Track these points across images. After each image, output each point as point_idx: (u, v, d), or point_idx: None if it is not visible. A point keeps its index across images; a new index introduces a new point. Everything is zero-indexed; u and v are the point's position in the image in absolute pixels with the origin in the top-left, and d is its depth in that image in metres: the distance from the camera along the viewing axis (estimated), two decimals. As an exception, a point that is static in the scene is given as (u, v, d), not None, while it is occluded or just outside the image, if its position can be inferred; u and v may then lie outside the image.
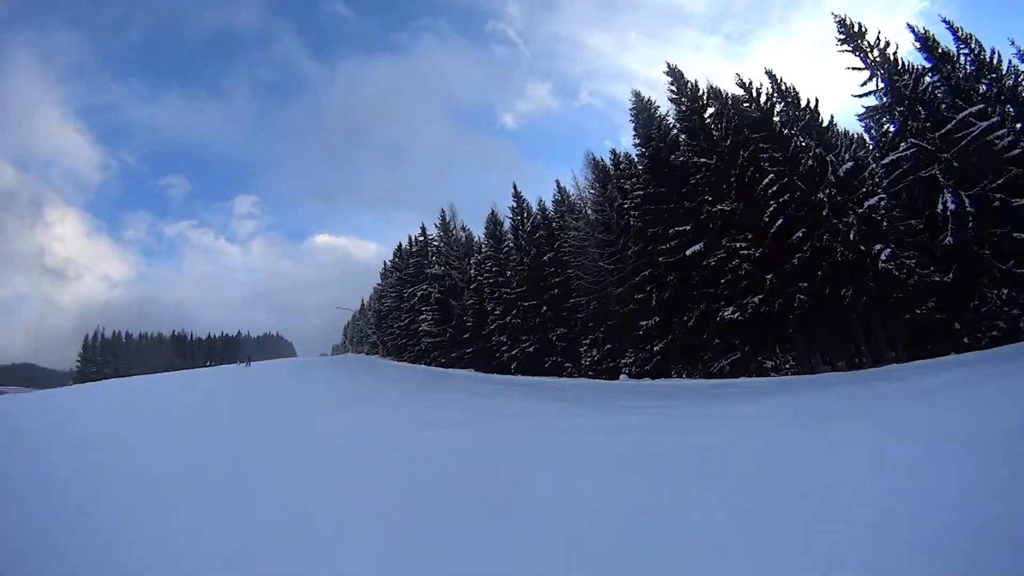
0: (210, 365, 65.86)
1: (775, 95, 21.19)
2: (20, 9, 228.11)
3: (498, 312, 35.24)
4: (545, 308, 32.23)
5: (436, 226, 46.36)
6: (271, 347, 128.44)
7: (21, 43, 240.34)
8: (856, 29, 20.02)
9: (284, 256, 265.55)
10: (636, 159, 27.39)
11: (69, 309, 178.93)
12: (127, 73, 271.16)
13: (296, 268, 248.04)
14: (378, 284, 62.58)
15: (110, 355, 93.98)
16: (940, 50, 19.01)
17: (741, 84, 21.89)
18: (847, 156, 19.80)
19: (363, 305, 78.74)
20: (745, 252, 20.40)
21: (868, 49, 19.71)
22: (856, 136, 22.16)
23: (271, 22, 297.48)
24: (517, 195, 35.82)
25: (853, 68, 20.03)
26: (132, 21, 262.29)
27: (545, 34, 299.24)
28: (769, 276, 19.47)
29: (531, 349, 32.74)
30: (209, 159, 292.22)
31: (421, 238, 48.09)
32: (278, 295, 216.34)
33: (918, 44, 19.33)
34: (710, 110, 23.60)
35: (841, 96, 62.61)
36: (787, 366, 19.27)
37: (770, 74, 21.36)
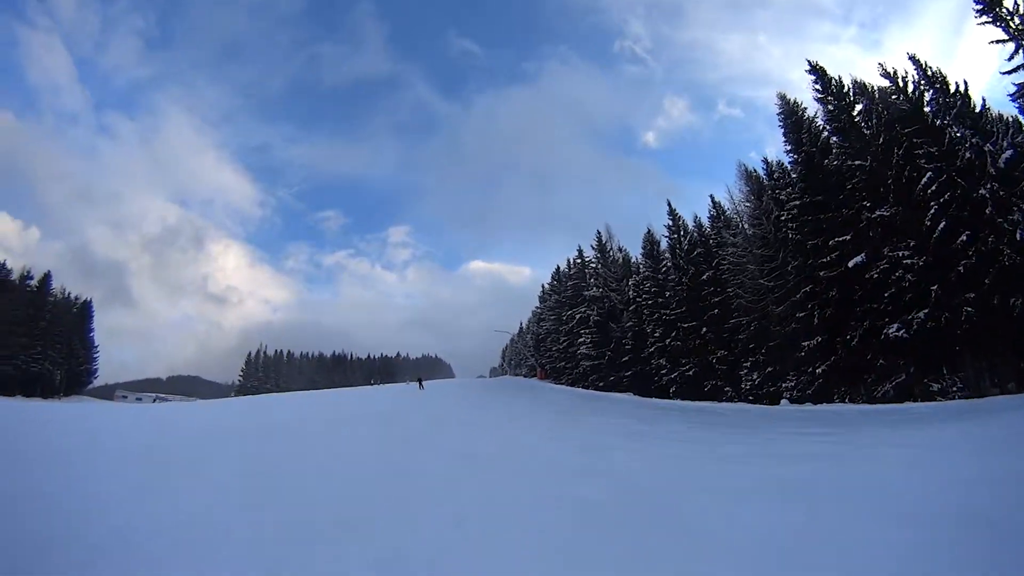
0: (375, 384, 73.72)
1: (922, 82, 20.62)
2: (164, 70, 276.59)
3: (657, 334, 36.28)
4: (705, 329, 32.82)
5: (592, 247, 48.81)
6: (430, 368, 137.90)
7: (170, 99, 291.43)
8: (992, -3, 18.74)
9: (440, 282, 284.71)
10: (789, 167, 27.37)
11: (231, 330, 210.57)
12: (275, 117, 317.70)
13: (452, 293, 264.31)
14: (536, 307, 66.45)
15: (271, 371, 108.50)
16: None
17: (886, 74, 21.60)
18: (1005, 143, 18.57)
19: (521, 328, 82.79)
20: (908, 261, 19.88)
21: (1008, 16, 18.41)
22: (1012, 119, 19.89)
23: (401, 67, 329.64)
24: (672, 213, 36.95)
25: (997, 41, 18.78)
26: (271, 76, 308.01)
27: (674, 44, 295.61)
28: (934, 287, 18.82)
29: (691, 372, 33.37)
30: (360, 193, 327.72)
31: (578, 260, 50.90)
32: (436, 319, 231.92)
33: (1060, 2, 17.55)
34: (858, 107, 23.31)
35: (989, 75, 53.92)
36: (954, 389, 18.26)
37: (914, 59, 20.83)
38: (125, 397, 78.81)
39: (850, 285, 22.54)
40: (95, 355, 71.25)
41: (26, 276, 65.15)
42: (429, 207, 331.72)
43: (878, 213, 21.11)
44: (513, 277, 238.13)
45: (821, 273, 23.75)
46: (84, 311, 71.34)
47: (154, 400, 70.86)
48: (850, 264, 22.20)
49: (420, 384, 43.05)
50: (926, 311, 19.17)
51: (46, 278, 67.07)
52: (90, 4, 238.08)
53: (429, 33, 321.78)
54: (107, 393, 79.43)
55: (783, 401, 25.72)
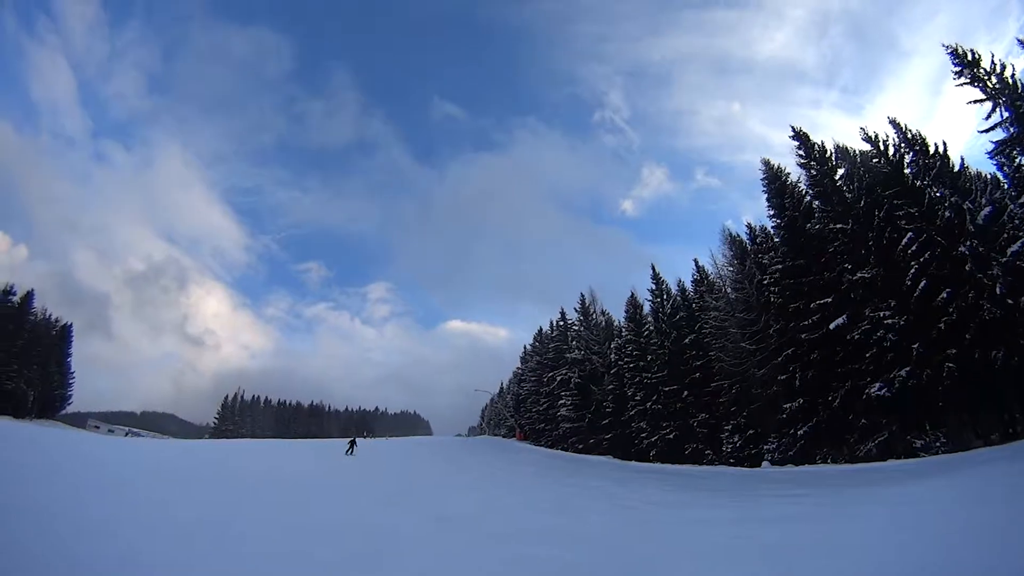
0: (367, 436, 71.45)
1: (903, 145, 21.58)
2: (163, 105, 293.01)
3: (639, 398, 35.87)
4: (686, 393, 32.58)
5: (576, 310, 49.08)
6: (408, 424, 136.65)
7: (166, 134, 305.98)
8: (970, 57, 19.93)
9: (418, 340, 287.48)
10: (772, 231, 27.99)
11: (208, 372, 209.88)
12: (265, 162, 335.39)
13: (431, 351, 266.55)
14: (518, 368, 65.92)
15: (248, 416, 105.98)
16: (1057, 64, 18.41)
17: (867, 138, 22.54)
18: (984, 200, 19.33)
19: (502, 388, 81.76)
20: (889, 321, 20.15)
21: (985, 77, 19.49)
22: (990, 177, 21.16)
23: (379, 130, 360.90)
24: (656, 277, 37.38)
25: (975, 101, 19.80)
26: (261, 129, 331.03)
27: (654, 114, 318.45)
28: (915, 345, 19.03)
29: (671, 436, 32.83)
30: (343, 248, 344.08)
31: (561, 323, 50.94)
32: (414, 375, 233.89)
33: (1032, 61, 18.95)
34: (840, 171, 24.17)
35: (968, 134, 57.88)
36: (937, 444, 18.16)
37: (894, 123, 21.89)
38: (98, 427, 74.87)
39: (832, 347, 22.65)
40: (71, 380, 67.88)
41: (8, 291, 62.21)
42: (407, 266, 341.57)
43: (859, 275, 21.55)
44: (489, 338, 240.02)
45: (803, 335, 23.89)
46: (63, 335, 68.08)
47: (126, 434, 68.72)
48: (831, 326, 22.37)
49: (351, 447, 32.20)
50: (908, 369, 19.26)
51: (28, 296, 63.80)
52: (99, 30, 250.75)
53: (410, 97, 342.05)
54: (79, 421, 75.27)
55: (764, 463, 25.33)
